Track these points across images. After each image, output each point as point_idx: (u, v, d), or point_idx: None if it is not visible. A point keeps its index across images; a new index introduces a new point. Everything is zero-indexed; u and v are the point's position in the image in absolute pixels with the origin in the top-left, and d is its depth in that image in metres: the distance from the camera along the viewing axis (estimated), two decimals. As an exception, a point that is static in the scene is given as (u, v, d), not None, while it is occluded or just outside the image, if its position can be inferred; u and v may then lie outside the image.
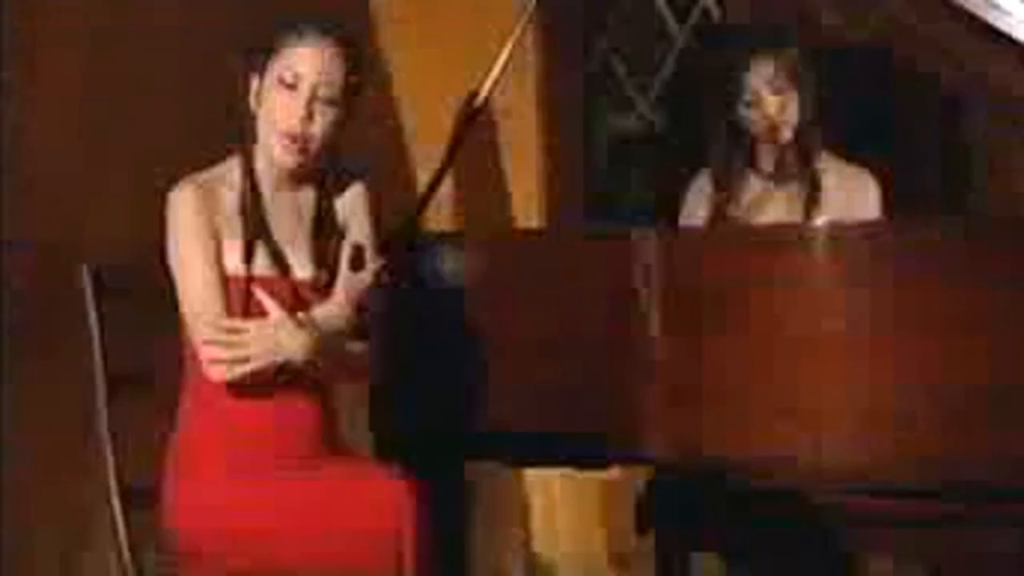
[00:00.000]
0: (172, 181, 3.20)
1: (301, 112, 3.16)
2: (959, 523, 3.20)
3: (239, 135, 3.25)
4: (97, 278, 3.30)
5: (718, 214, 3.96)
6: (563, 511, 4.68)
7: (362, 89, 3.25)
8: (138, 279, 3.34)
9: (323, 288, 3.22)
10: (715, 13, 4.90)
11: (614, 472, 4.61)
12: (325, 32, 3.20)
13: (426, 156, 4.46)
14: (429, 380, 3.51)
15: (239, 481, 3.14)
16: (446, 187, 4.03)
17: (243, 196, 3.21)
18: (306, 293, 3.21)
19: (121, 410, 3.29)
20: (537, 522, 4.66)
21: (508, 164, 4.64)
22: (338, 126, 3.21)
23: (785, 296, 3.20)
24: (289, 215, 3.25)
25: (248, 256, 3.18)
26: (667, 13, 4.95)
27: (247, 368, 3.12)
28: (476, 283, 3.49)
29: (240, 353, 3.11)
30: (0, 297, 3.57)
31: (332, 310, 3.19)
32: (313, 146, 3.19)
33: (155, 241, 3.24)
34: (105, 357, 3.28)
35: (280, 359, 3.12)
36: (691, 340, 3.25)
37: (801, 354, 3.17)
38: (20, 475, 3.56)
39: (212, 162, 3.26)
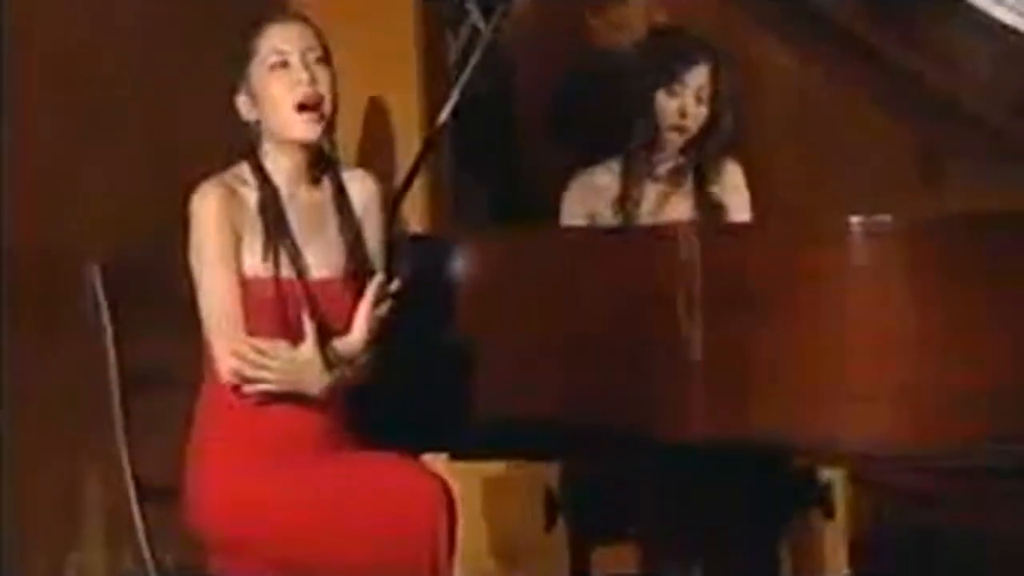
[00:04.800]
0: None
1: (304, 76, 3.23)
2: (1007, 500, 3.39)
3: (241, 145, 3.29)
4: (107, 276, 3.29)
5: (620, 207, 4.13)
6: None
7: (330, 58, 3.32)
8: (141, 277, 3.35)
9: (348, 288, 3.25)
10: (483, 27, 5.00)
11: (497, 468, 4.76)
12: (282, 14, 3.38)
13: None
14: (450, 373, 3.51)
15: (269, 475, 3.16)
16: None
17: (262, 195, 3.24)
18: (322, 294, 3.23)
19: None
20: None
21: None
22: (334, 89, 3.27)
23: (834, 288, 3.29)
24: (305, 216, 3.28)
25: (269, 256, 3.20)
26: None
27: (264, 388, 3.17)
28: (515, 279, 3.52)
29: (260, 374, 3.15)
30: (-1, 296, 3.50)
31: (353, 343, 3.23)
32: (326, 108, 3.25)
33: (155, 243, 3.26)
34: (120, 356, 3.27)
35: (296, 390, 3.18)
36: (739, 330, 3.32)
37: (852, 342, 3.27)
38: (20, 475, 3.49)
39: (213, 162, 3.28)
